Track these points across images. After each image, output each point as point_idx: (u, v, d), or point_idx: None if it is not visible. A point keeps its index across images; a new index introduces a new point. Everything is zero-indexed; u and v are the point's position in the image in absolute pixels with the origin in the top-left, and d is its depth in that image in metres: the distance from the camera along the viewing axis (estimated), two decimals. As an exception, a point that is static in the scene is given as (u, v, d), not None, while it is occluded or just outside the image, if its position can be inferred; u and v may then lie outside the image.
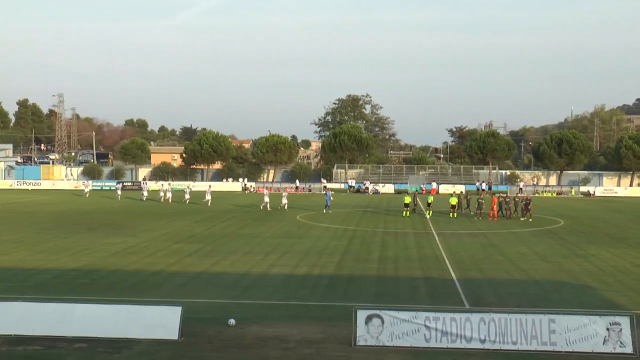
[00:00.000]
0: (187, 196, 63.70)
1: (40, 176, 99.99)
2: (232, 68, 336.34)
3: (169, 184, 72.69)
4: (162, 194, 66.09)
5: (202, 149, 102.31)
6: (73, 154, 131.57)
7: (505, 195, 56.45)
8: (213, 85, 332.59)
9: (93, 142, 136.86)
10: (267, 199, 56.19)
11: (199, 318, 18.86)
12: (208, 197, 61.45)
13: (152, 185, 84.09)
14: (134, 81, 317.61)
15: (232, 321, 18.42)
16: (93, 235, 37.65)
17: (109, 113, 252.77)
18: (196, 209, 56.89)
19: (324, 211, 53.22)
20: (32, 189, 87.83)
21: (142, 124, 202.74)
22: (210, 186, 66.46)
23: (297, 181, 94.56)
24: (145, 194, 68.28)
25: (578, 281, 25.39)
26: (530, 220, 47.69)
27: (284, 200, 56.66)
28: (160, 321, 16.97)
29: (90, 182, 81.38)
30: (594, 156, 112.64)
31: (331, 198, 56.00)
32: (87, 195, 72.63)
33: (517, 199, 51.09)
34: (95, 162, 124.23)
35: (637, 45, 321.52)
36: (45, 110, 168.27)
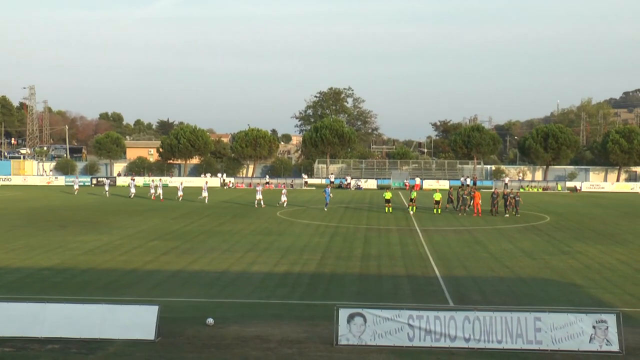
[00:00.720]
0: (179, 193, 62.05)
1: (10, 171, 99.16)
2: (210, 60, 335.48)
3: (160, 180, 70.97)
4: (152, 190, 64.25)
5: (180, 144, 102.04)
6: (45, 148, 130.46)
7: (494, 190, 56.54)
8: (190, 78, 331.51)
9: (66, 136, 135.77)
10: (259, 196, 55.82)
11: (176, 317, 18.78)
12: (205, 193, 60.07)
13: (140, 181, 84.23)
14: (108, 73, 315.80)
15: (210, 320, 18.36)
16: (66, 233, 37.38)
17: (82, 106, 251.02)
18: (173, 205, 56.66)
19: (325, 209, 53.01)
20: (2, 185, 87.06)
21: (117, 118, 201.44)
22: (207, 182, 65.40)
23: (267, 177, 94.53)
24: (133, 190, 66.28)
25: (564, 278, 25.57)
26: (518, 215, 48.06)
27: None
28: (136, 321, 16.88)
29: (77, 179, 78.99)
30: (580, 151, 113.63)
31: (330, 195, 55.49)
32: (77, 193, 71.32)
33: (510, 195, 50.55)
34: (69, 156, 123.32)
35: (624, 38, 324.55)
36: (15, 103, 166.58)
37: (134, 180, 70.81)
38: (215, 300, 21.39)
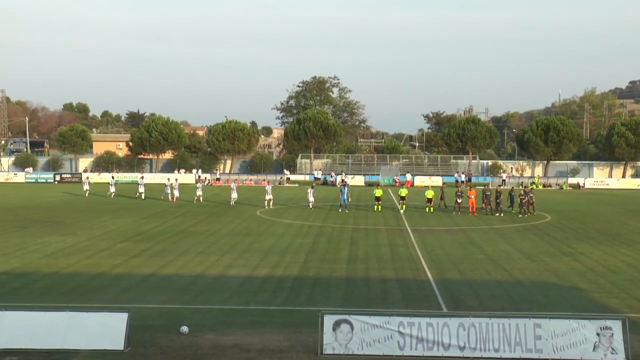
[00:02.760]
0: (176, 193, 59.46)
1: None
2: (185, 46, 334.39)
3: (176, 180, 64.42)
4: (168, 190, 60.08)
5: (151, 137, 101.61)
6: (3, 142, 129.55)
7: (486, 187, 56.66)
8: (163, 66, 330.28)
9: (26, 128, 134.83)
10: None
11: (147, 325, 18.74)
12: (199, 192, 58.76)
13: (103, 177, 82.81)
14: (73, 60, 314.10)
15: (184, 328, 18.33)
16: (26, 234, 37.16)
17: (44, 96, 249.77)
18: (143, 204, 56.45)
19: (340, 210, 51.12)
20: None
21: (82, 109, 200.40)
22: (203, 180, 64.04)
23: (222, 175, 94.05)
24: (113, 189, 63.94)
25: (566, 282, 25.73)
26: (534, 214, 48.26)
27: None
28: (103, 330, 16.82)
29: (87, 177, 71.00)
30: (583, 145, 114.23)
31: (348, 195, 52.83)
32: (87, 194, 65.16)
33: (527, 193, 50.15)
34: (29, 151, 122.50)
35: (631, 22, 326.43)
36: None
37: (143, 178, 65.48)
38: (189, 307, 21.35)
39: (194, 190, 59.82)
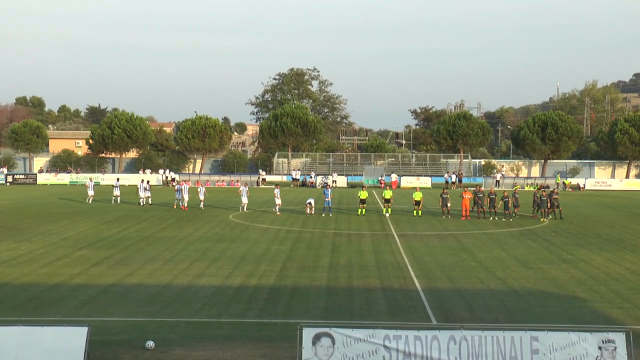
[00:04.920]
0: (147, 194, 58.09)
1: None
2: (150, 34, 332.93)
3: (191, 183, 62.61)
4: (184, 195, 55.94)
5: (114, 134, 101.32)
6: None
7: (477, 189, 56.72)
8: (126, 56, 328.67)
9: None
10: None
11: (109, 340, 18.65)
12: (201, 197, 56.00)
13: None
14: (26, 50, 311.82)
15: (150, 343, 18.24)
16: (-24, 240, 36.91)
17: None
18: (105, 207, 56.14)
19: (324, 214, 50.78)
20: None
21: (37, 103, 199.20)
22: (201, 183, 62.69)
23: (172, 174, 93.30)
24: (91, 193, 61.14)
25: (565, 291, 25.85)
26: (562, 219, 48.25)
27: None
28: (60, 345, 16.68)
29: (92, 182, 64.30)
30: (583, 143, 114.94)
31: (330, 196, 52.42)
32: (90, 201, 60.98)
33: (553, 195, 50.07)
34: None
35: (635, 11, 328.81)
36: None
37: (119, 180, 64.41)
38: (156, 319, 21.25)
39: (160, 192, 59.35)
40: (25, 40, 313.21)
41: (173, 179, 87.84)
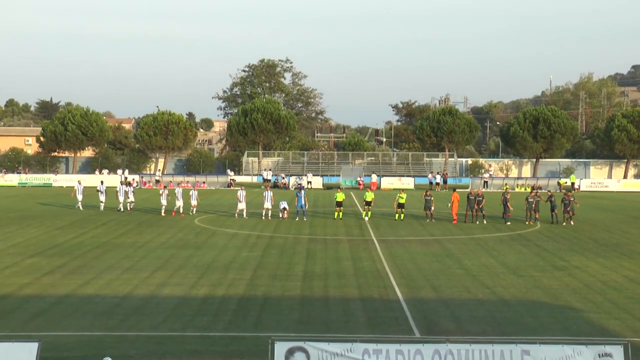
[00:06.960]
0: (130, 198, 56.80)
1: None
2: (106, 22, 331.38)
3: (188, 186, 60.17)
4: (178, 202, 54.14)
5: (67, 131, 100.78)
6: None
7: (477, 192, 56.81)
8: (80, 46, 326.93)
9: None
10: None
11: (63, 357, 18.58)
12: (194, 202, 54.62)
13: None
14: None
15: (108, 360, 18.19)
16: None
17: None
18: (59, 211, 55.81)
19: (298, 219, 50.62)
20: None
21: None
22: (201, 184, 61.42)
23: (131, 175, 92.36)
24: (81, 197, 58.34)
25: (558, 301, 26.01)
26: (572, 223, 48.25)
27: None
28: (9, 362, 16.62)
29: (81, 186, 60.29)
30: (578, 140, 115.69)
31: (305, 199, 51.98)
32: (81, 207, 57.81)
33: (570, 197, 49.83)
34: None
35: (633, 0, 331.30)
36: None
37: (103, 183, 59.81)
38: (114, 334, 21.19)
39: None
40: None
41: (158, 181, 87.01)
